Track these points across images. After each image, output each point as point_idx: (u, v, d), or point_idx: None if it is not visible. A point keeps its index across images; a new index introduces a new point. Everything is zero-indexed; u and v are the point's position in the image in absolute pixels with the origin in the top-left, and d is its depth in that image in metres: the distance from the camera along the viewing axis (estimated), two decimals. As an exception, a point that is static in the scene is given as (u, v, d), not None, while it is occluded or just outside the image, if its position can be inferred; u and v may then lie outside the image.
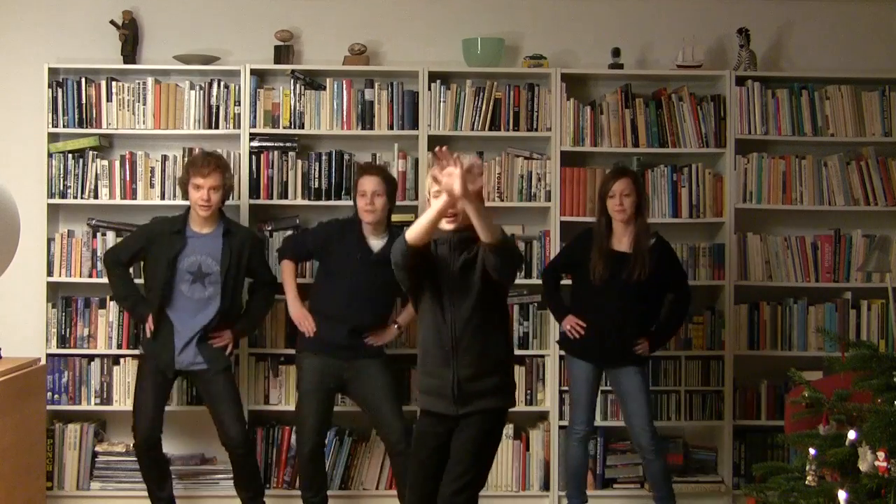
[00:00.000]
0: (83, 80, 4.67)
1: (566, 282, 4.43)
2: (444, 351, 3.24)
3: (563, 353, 4.51)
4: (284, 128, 4.71)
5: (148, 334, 4.22)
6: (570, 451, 4.36)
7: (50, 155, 4.65)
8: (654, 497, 4.34)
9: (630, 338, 4.19)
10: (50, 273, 4.64)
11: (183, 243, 4.20)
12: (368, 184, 4.20)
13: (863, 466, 2.68)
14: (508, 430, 4.68)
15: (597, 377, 4.32)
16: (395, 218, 4.49)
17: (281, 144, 4.71)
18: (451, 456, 3.24)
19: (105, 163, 4.68)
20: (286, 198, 4.70)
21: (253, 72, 4.69)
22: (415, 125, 4.71)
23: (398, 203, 4.59)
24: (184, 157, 4.68)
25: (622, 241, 4.19)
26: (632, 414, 4.24)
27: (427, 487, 3.28)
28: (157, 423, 4.24)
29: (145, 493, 4.57)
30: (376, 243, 4.23)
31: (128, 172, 4.68)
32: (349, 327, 4.18)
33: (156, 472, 4.30)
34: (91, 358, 4.68)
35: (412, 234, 3.11)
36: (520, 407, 4.70)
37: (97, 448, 4.66)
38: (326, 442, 4.49)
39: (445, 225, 3.25)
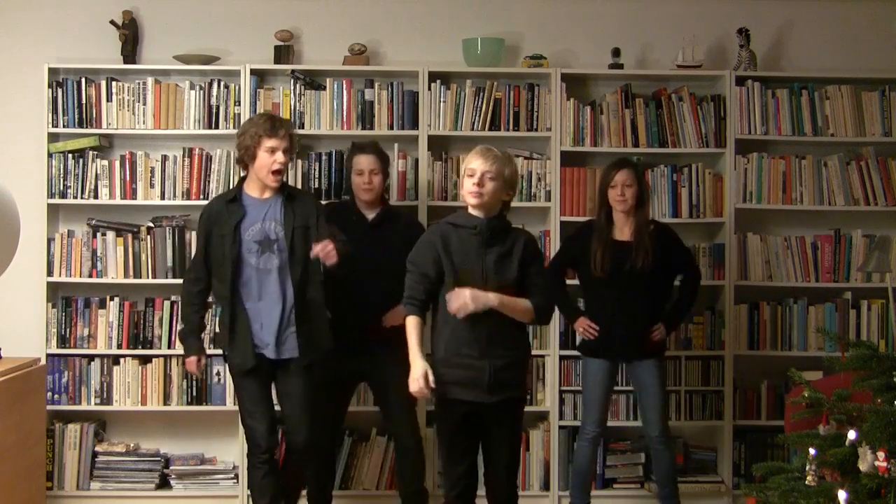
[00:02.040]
0: (83, 80, 4.67)
1: (572, 281, 4.42)
2: (480, 343, 3.36)
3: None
4: (284, 128, 4.70)
5: (194, 368, 3.99)
6: (578, 452, 4.34)
7: (50, 155, 4.64)
8: (659, 495, 4.35)
9: (644, 328, 4.18)
10: (50, 273, 4.64)
11: (243, 211, 3.88)
12: (365, 162, 4.19)
13: (863, 466, 2.67)
14: (508, 430, 4.68)
15: (612, 376, 4.29)
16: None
17: (281, 144, 4.71)
18: (497, 449, 3.48)
19: (105, 163, 4.68)
20: (286, 198, 4.70)
21: (253, 72, 4.69)
22: (415, 125, 4.70)
23: (398, 203, 4.61)
24: (184, 157, 4.68)
25: (623, 232, 4.18)
26: (646, 406, 4.26)
27: (470, 458, 3.47)
28: (272, 427, 3.94)
29: (145, 493, 4.59)
30: (371, 214, 4.23)
31: (128, 172, 4.68)
32: (366, 311, 4.09)
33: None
34: (91, 358, 4.68)
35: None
36: (520, 407, 4.70)
37: (97, 448, 4.66)
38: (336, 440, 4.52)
39: (471, 199, 3.42)
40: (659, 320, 4.22)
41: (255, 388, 3.91)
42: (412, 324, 3.42)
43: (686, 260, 4.36)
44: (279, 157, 3.84)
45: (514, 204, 4.68)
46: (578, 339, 4.40)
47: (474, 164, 3.42)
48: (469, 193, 3.41)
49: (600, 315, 4.20)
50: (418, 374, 3.36)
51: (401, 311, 3.90)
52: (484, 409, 3.41)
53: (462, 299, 3.30)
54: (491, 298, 3.33)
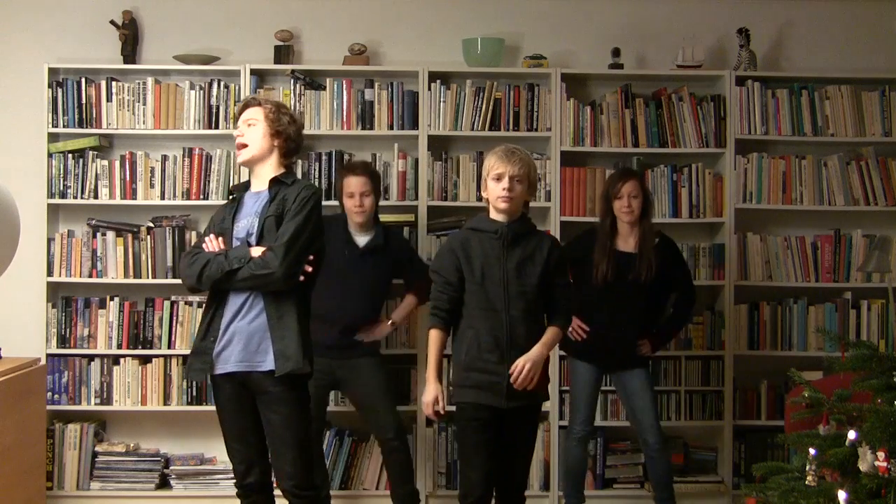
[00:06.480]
0: (83, 80, 4.67)
1: None
2: (500, 348, 3.29)
3: (563, 353, 4.50)
4: (284, 128, 4.70)
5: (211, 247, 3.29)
6: (568, 452, 4.34)
7: (50, 155, 4.64)
8: (655, 498, 4.34)
9: (632, 340, 4.18)
10: (50, 273, 4.64)
11: (236, 203, 3.40)
12: (356, 184, 4.18)
13: (863, 466, 2.67)
14: (508, 430, 4.68)
15: (598, 378, 4.30)
16: (393, 218, 4.54)
17: (281, 144, 4.70)
18: (515, 451, 3.41)
19: (105, 163, 4.68)
20: (286, 198, 4.69)
21: (253, 72, 4.69)
22: (415, 125, 4.70)
23: (398, 203, 4.61)
24: (184, 157, 4.68)
25: (627, 242, 4.18)
26: (638, 411, 4.23)
27: (488, 465, 3.36)
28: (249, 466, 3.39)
29: (145, 493, 4.60)
30: (362, 239, 4.21)
31: (128, 172, 4.68)
32: (339, 327, 4.12)
33: None
34: (91, 358, 4.68)
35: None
36: (520, 407, 4.70)
37: (97, 448, 4.66)
38: (325, 441, 4.52)
39: (502, 205, 3.34)
40: (649, 332, 4.22)
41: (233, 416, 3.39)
42: (434, 338, 3.36)
43: (685, 279, 4.35)
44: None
45: (514, 204, 4.74)
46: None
47: (501, 169, 3.32)
48: (500, 199, 3.33)
49: (591, 320, 4.18)
50: (430, 399, 3.34)
51: (381, 328, 4.15)
52: (502, 413, 3.34)
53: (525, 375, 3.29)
54: (534, 356, 3.31)
